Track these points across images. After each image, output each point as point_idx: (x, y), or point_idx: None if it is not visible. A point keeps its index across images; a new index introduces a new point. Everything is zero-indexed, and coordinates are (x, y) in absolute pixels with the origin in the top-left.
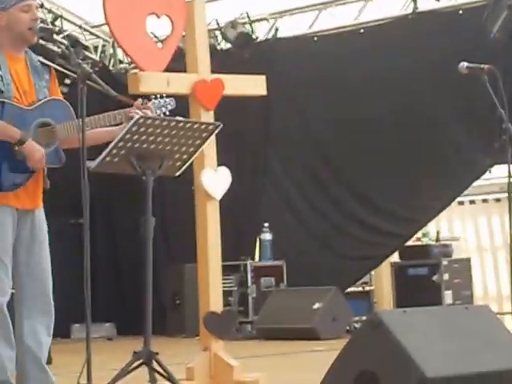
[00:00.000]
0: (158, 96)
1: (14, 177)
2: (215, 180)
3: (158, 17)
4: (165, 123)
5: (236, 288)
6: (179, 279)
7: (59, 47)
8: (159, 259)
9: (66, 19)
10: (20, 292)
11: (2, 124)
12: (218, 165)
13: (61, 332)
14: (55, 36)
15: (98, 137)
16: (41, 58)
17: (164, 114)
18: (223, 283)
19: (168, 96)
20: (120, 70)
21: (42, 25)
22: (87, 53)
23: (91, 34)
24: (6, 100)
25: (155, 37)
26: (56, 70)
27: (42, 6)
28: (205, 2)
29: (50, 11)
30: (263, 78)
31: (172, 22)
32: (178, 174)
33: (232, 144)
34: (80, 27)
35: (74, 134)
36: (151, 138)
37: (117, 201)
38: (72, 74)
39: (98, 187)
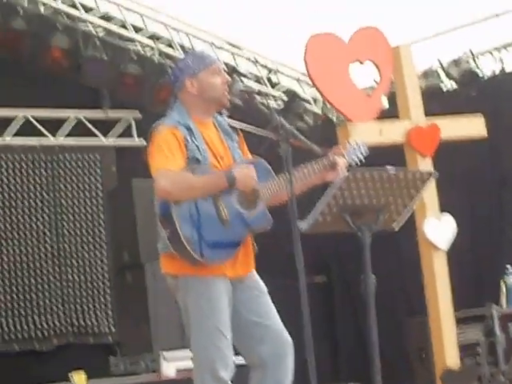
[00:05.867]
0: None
1: (223, 250)
2: (439, 229)
3: (361, 63)
4: (375, 176)
5: (483, 338)
6: (423, 332)
7: (276, 102)
8: (399, 310)
9: (281, 73)
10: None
11: (204, 177)
12: (449, 209)
13: None
14: (272, 91)
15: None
16: (229, 120)
17: (360, 160)
18: (466, 333)
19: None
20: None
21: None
22: (307, 105)
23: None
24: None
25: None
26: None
27: (256, 61)
28: (423, 41)
29: (265, 67)
30: (481, 118)
31: (378, 68)
32: (397, 228)
33: (462, 186)
34: (297, 80)
35: (278, 192)
36: (363, 192)
37: (350, 259)
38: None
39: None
